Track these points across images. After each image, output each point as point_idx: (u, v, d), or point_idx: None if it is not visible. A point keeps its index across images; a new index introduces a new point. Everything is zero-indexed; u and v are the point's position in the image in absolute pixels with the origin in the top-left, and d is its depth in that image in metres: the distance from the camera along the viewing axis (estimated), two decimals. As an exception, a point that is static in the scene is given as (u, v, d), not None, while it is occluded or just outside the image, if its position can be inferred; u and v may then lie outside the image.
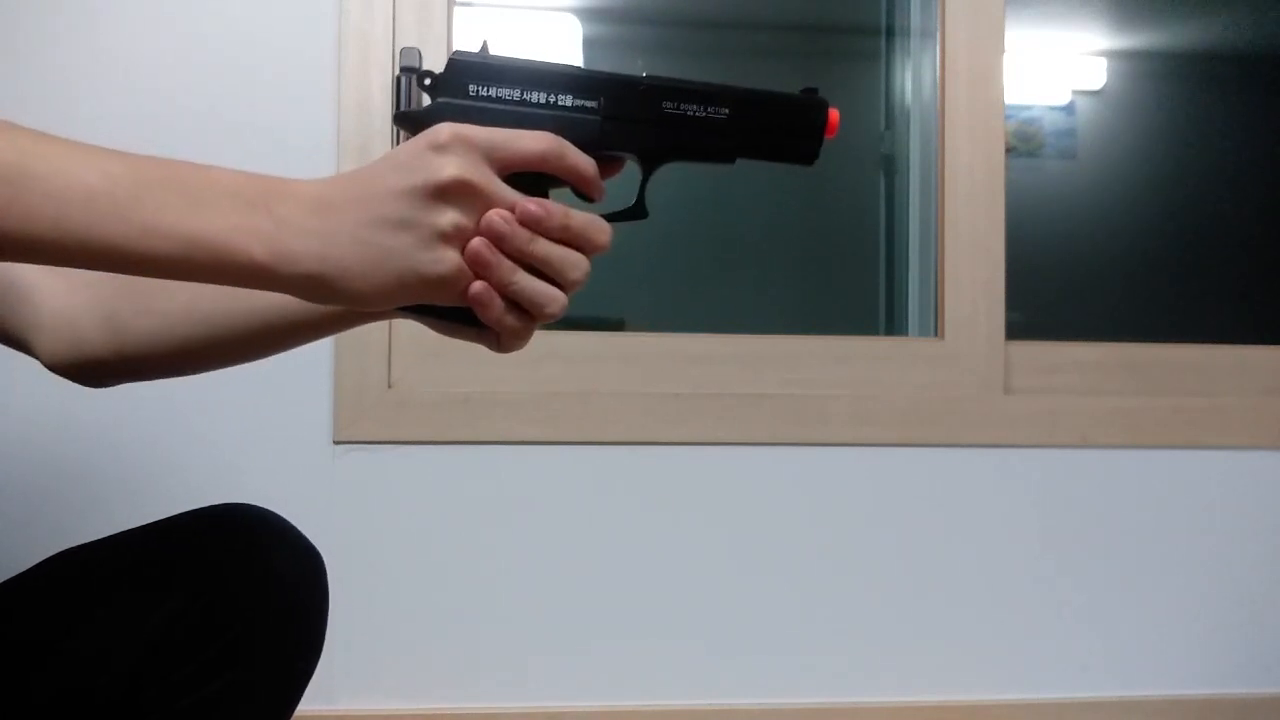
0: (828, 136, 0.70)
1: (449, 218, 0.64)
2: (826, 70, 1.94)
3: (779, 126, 0.70)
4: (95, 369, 0.87)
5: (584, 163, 0.68)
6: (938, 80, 1.61)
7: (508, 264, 0.65)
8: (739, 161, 0.71)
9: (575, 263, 0.67)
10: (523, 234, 0.65)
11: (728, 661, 1.50)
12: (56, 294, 0.87)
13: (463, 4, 1.55)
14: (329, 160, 1.44)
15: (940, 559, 1.54)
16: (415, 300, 0.64)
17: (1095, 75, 2.08)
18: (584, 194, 0.69)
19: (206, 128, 1.42)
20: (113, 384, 0.89)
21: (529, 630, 1.47)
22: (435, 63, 1.48)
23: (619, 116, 0.68)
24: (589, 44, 1.81)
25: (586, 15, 1.82)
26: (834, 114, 0.70)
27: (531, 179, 0.66)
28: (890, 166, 1.84)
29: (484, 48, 0.69)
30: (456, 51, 0.70)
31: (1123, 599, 1.57)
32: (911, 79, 1.82)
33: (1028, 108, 2.04)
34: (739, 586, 1.50)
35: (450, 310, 0.67)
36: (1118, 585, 1.57)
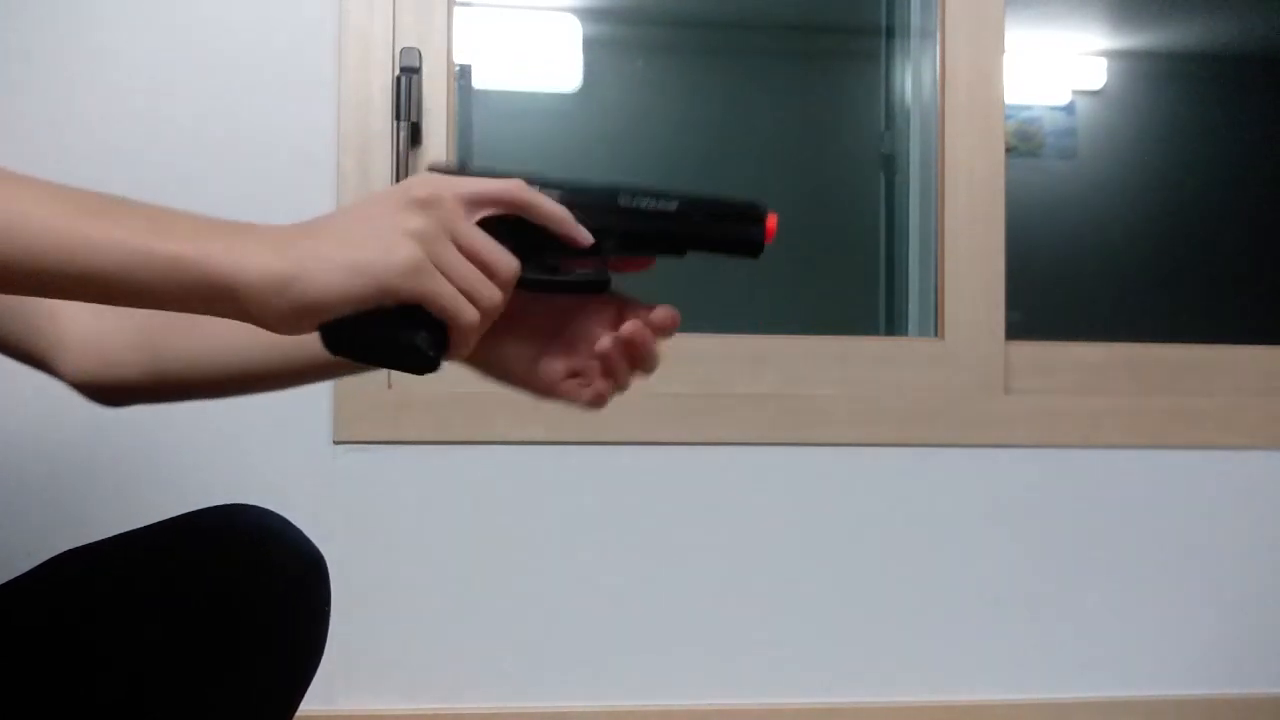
0: (767, 242, 0.76)
1: (416, 220, 0.65)
2: (826, 70, 1.94)
3: (722, 228, 0.76)
4: (123, 391, 0.89)
5: (552, 207, 0.71)
6: (938, 80, 1.61)
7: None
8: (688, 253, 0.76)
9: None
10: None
11: (728, 661, 1.50)
12: (81, 315, 0.89)
13: (463, 4, 1.55)
14: (329, 160, 1.44)
15: (939, 558, 1.54)
16: (372, 290, 0.64)
17: (1095, 75, 2.09)
18: (565, 239, 0.72)
19: (207, 128, 1.42)
20: (131, 404, 0.91)
21: (529, 630, 1.47)
22: (435, 63, 1.49)
23: (580, 205, 0.73)
24: (589, 44, 1.81)
25: (586, 15, 1.82)
26: (772, 219, 0.75)
27: (517, 231, 0.70)
28: (890, 166, 1.84)
29: (462, 165, 0.74)
30: (432, 164, 0.74)
31: (1123, 599, 1.57)
32: (911, 79, 1.82)
33: (1028, 108, 2.04)
34: (739, 586, 1.50)
35: (419, 355, 0.68)
36: (1118, 585, 1.57)
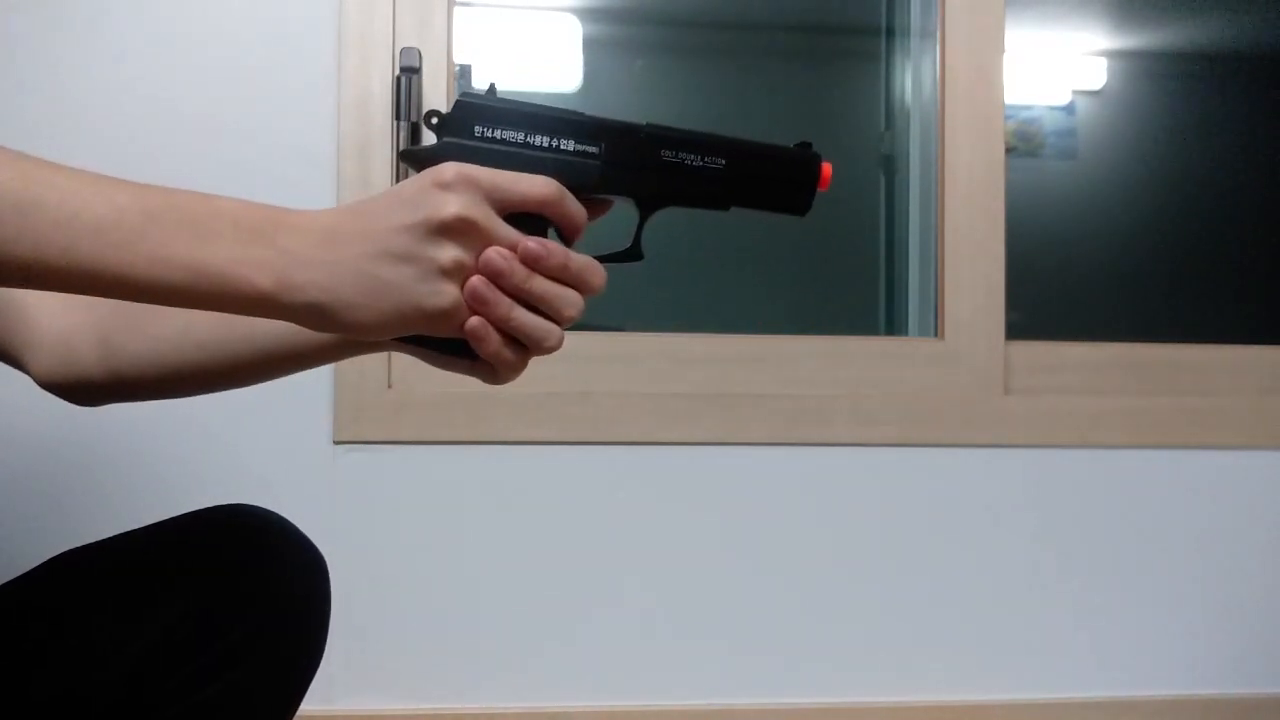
0: (821, 189, 0.72)
1: (449, 253, 0.65)
2: (826, 70, 1.94)
3: (773, 178, 0.73)
4: (86, 388, 0.88)
5: (577, 212, 0.70)
6: (938, 80, 1.61)
7: (505, 300, 0.67)
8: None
9: (571, 300, 0.69)
10: (521, 271, 0.67)
11: (728, 661, 1.50)
12: (53, 313, 0.88)
13: (463, 4, 1.55)
14: (329, 160, 1.44)
15: (940, 559, 1.54)
16: (413, 331, 0.66)
17: (1095, 75, 2.08)
18: (565, 236, 0.71)
19: (207, 129, 1.42)
20: (103, 403, 0.90)
21: (529, 630, 1.47)
22: (435, 63, 1.49)
23: (619, 162, 0.71)
24: (589, 44, 1.81)
25: (586, 15, 1.82)
26: (827, 168, 0.72)
27: (529, 218, 0.68)
28: (890, 166, 1.84)
29: (491, 90, 0.71)
30: (464, 93, 0.71)
31: (1122, 599, 1.57)
32: (911, 79, 1.82)
33: (1028, 108, 2.04)
34: (739, 587, 1.50)
35: (446, 343, 0.69)
36: (1117, 585, 1.57)
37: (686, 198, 0.73)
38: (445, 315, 0.66)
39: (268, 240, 0.63)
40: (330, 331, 0.65)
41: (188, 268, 0.62)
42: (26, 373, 0.90)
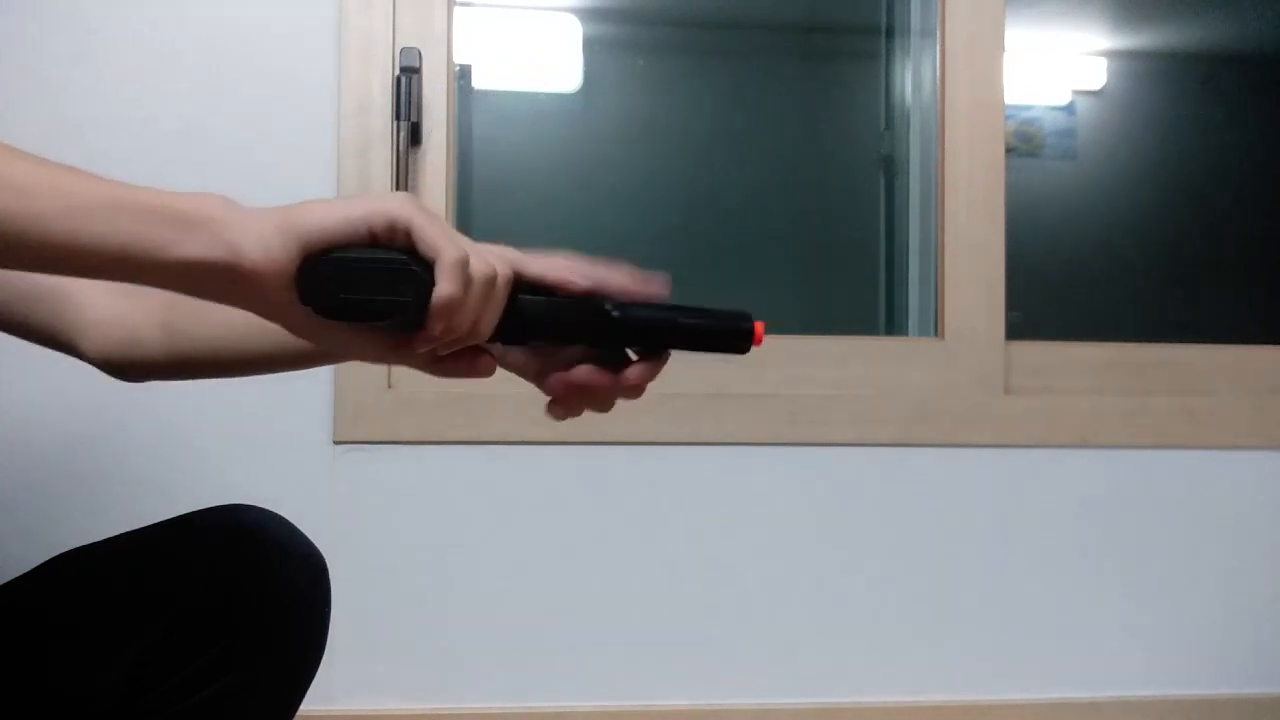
0: (755, 345, 0.75)
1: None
2: (826, 70, 1.94)
3: (709, 341, 0.75)
4: (144, 367, 0.92)
5: (542, 264, 0.69)
6: (938, 80, 1.61)
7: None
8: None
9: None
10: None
11: (728, 661, 1.50)
12: (99, 298, 0.91)
13: (463, 4, 1.55)
14: (329, 160, 1.44)
15: (940, 559, 1.54)
16: (361, 212, 0.62)
17: (1095, 75, 2.08)
18: (560, 285, 0.70)
19: (207, 128, 1.42)
20: (149, 380, 0.94)
21: (529, 630, 1.47)
22: (435, 63, 1.49)
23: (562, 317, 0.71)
24: (589, 44, 1.81)
25: (586, 15, 1.82)
26: (759, 329, 0.74)
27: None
28: (890, 166, 1.84)
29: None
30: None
31: (1122, 599, 1.57)
32: (911, 79, 1.82)
33: (1028, 108, 2.03)
34: (739, 586, 1.50)
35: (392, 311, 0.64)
36: (1117, 585, 1.57)
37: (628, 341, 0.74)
38: (399, 198, 0.63)
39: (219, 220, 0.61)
40: (282, 238, 0.61)
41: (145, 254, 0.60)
42: (76, 353, 0.93)
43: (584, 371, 0.72)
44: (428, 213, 0.63)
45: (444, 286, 0.62)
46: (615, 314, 0.70)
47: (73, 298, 0.92)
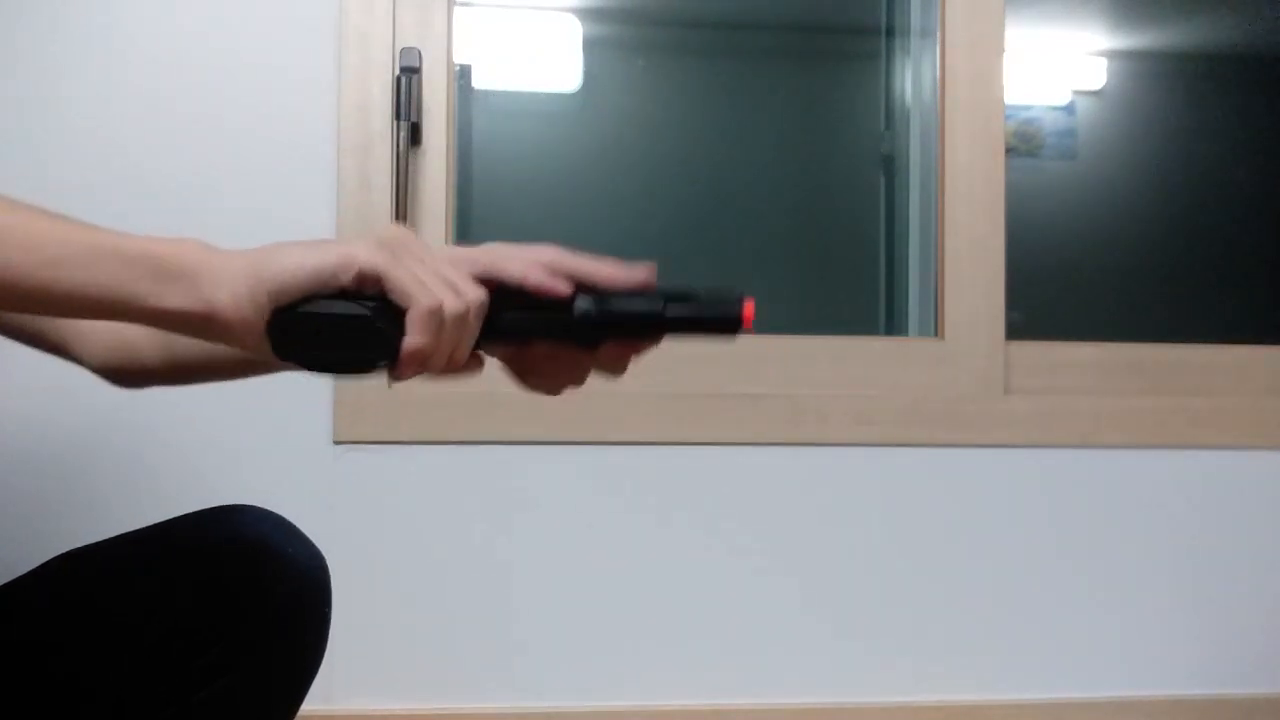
0: (745, 328, 0.73)
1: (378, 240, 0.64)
2: (826, 70, 1.93)
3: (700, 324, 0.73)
4: (143, 376, 0.94)
5: (522, 269, 0.69)
6: (938, 80, 1.61)
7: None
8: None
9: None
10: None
11: (728, 661, 1.50)
12: None
13: (463, 4, 1.55)
14: (329, 160, 1.44)
15: (940, 559, 1.54)
16: (332, 260, 0.62)
17: (1095, 75, 2.08)
18: (541, 292, 0.69)
19: (206, 128, 1.42)
20: (148, 386, 0.95)
21: (529, 630, 1.47)
22: (435, 63, 1.49)
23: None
24: (589, 44, 1.81)
25: (586, 15, 1.82)
26: (749, 307, 0.72)
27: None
28: (890, 166, 1.84)
29: None
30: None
31: (1122, 599, 1.57)
32: (911, 79, 1.82)
33: (1028, 108, 2.03)
34: (738, 586, 1.50)
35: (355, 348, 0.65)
36: (1117, 585, 1.57)
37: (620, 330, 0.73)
38: (369, 247, 0.63)
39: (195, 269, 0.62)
40: (251, 290, 0.62)
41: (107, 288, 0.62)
42: (76, 360, 0.95)
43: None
44: (397, 256, 0.63)
45: (414, 339, 0.63)
46: (594, 315, 0.70)
47: None
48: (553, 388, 0.74)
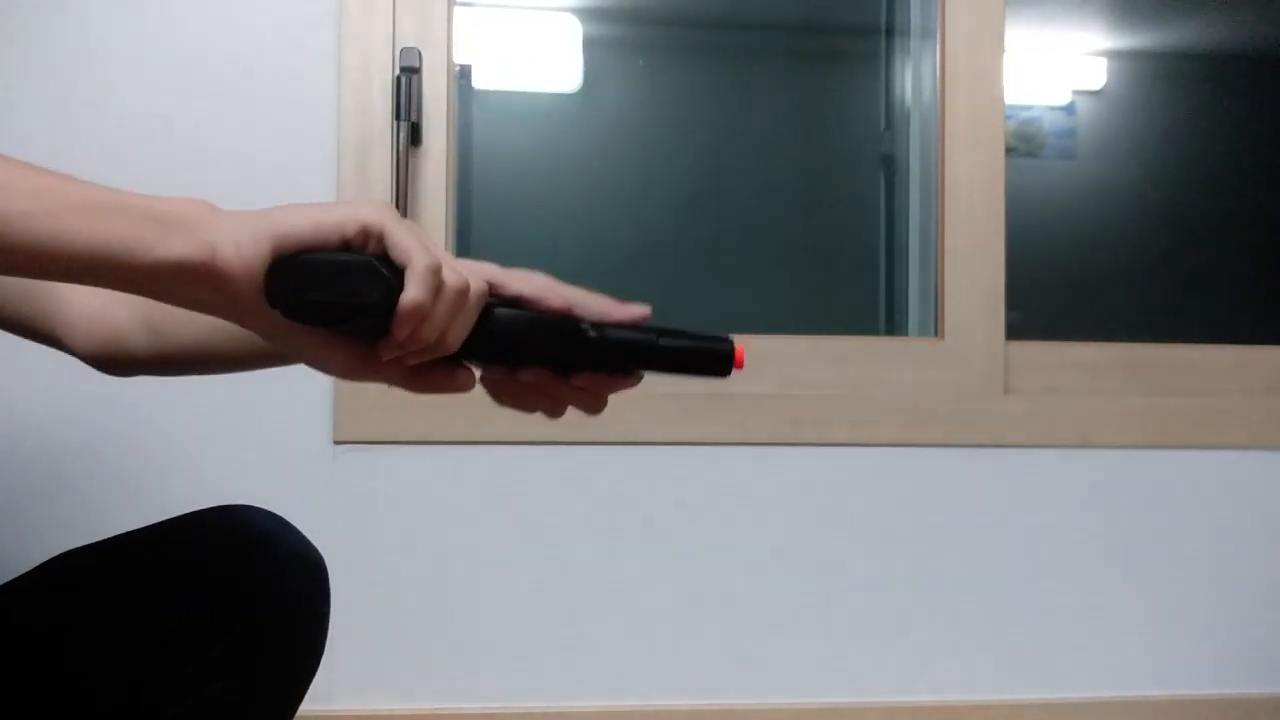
0: (737, 369, 0.73)
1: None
2: (826, 70, 1.94)
3: (690, 365, 0.73)
4: (131, 364, 0.93)
5: (523, 282, 0.69)
6: (938, 80, 1.61)
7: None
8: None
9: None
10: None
11: (727, 661, 1.50)
12: (84, 295, 0.92)
13: (463, 4, 1.55)
14: (329, 160, 1.44)
15: (940, 559, 1.54)
16: (336, 217, 0.62)
17: (1095, 75, 2.08)
18: (545, 308, 0.69)
19: (207, 128, 1.42)
20: (137, 375, 0.95)
21: (529, 630, 1.47)
22: (435, 63, 1.49)
23: (539, 334, 0.70)
24: (589, 44, 1.81)
25: (586, 15, 1.82)
26: (740, 352, 0.72)
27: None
28: (890, 166, 1.84)
29: None
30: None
31: (1122, 599, 1.57)
32: (911, 79, 1.82)
33: (1028, 108, 2.03)
34: (738, 586, 1.50)
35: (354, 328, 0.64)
36: (1117, 585, 1.57)
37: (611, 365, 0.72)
38: (374, 205, 0.63)
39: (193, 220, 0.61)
40: (255, 239, 0.61)
41: (130, 263, 0.60)
42: (65, 348, 0.95)
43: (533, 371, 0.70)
44: (402, 220, 0.63)
45: (412, 291, 0.62)
46: (592, 334, 0.69)
47: (59, 294, 0.93)
48: (527, 407, 0.73)
